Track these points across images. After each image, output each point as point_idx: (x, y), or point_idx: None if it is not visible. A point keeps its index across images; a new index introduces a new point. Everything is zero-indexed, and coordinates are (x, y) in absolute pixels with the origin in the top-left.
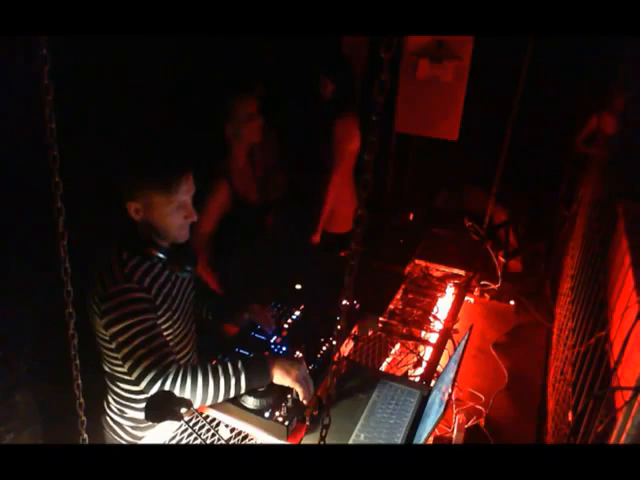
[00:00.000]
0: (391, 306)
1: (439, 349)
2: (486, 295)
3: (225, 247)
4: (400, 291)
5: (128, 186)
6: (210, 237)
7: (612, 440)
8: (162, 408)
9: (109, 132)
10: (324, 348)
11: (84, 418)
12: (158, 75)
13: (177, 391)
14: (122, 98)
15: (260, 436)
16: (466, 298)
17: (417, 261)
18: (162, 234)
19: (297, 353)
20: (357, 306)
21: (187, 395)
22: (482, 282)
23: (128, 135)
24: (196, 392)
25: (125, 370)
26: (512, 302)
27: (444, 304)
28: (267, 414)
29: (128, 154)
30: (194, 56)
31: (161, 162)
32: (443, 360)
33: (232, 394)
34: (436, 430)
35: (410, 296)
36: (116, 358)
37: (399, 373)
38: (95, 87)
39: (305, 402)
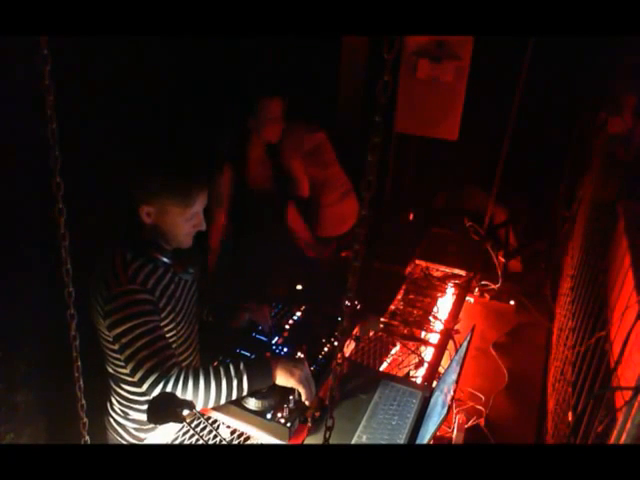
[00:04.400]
0: (392, 306)
1: (440, 350)
2: (486, 295)
3: (241, 242)
4: (401, 291)
5: (146, 191)
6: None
7: (612, 440)
8: (164, 410)
9: (114, 133)
10: (325, 349)
11: (86, 420)
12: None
13: (179, 393)
14: (129, 98)
15: (262, 437)
16: (466, 298)
17: (418, 261)
18: (168, 239)
19: (298, 354)
20: (358, 307)
21: (189, 397)
22: (482, 282)
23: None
24: (198, 394)
25: (128, 372)
26: (512, 302)
27: (444, 304)
28: (269, 415)
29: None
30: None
31: (185, 175)
32: (445, 361)
33: (234, 396)
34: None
35: (411, 296)
36: (119, 359)
37: (400, 374)
38: (101, 88)
39: (307, 403)
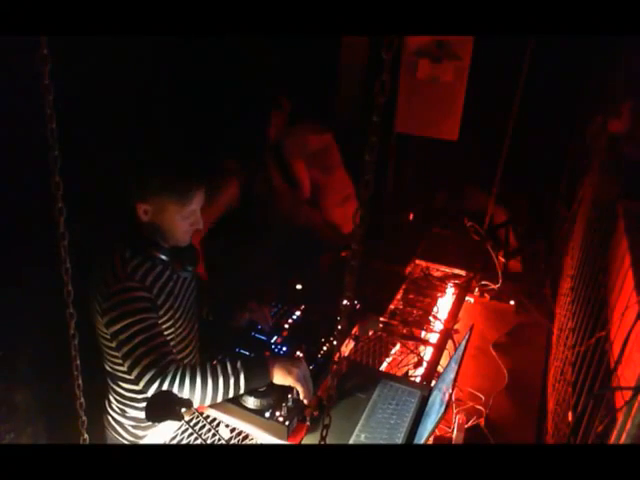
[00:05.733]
0: (392, 306)
1: (439, 349)
2: (486, 295)
3: (227, 244)
4: (401, 291)
5: (142, 188)
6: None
7: (612, 440)
8: (163, 408)
9: (113, 132)
10: (324, 348)
11: (85, 418)
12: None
13: (176, 390)
14: (129, 98)
15: (260, 436)
16: (466, 298)
17: (417, 261)
18: (166, 237)
19: (297, 353)
20: (358, 306)
21: (186, 395)
22: (482, 282)
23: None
24: (195, 392)
25: (125, 369)
26: (512, 302)
27: (444, 304)
28: (267, 414)
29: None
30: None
31: (182, 174)
32: (444, 360)
33: (231, 394)
34: (436, 430)
35: (411, 296)
36: (117, 357)
37: (399, 373)
38: (100, 87)
39: (306, 402)
